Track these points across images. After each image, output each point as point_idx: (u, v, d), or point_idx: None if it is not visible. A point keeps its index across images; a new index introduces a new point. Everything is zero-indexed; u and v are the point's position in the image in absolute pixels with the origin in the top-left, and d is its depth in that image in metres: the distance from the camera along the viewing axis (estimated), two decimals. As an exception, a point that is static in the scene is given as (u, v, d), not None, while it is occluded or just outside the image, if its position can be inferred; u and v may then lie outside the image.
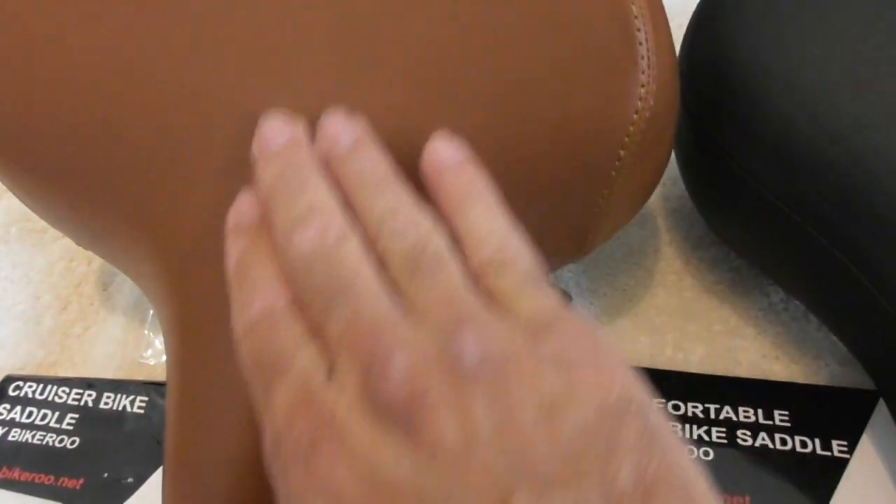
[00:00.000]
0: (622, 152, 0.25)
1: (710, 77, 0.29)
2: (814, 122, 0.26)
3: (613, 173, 0.25)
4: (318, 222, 0.19)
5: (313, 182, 0.20)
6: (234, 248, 0.21)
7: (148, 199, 0.26)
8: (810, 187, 0.27)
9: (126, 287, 0.38)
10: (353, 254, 0.19)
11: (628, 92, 0.24)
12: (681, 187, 0.37)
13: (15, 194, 0.31)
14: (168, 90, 0.25)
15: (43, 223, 0.40)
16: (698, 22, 0.30)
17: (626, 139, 0.25)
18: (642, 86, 0.24)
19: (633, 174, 0.26)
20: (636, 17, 0.24)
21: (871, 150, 0.25)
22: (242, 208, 0.21)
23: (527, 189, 0.25)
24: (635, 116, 0.24)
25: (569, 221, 0.27)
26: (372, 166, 0.21)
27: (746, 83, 0.27)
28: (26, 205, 0.32)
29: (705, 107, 0.29)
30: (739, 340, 0.32)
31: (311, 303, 0.18)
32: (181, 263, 0.25)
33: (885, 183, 0.25)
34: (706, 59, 0.29)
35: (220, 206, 0.25)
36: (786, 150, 0.27)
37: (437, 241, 0.19)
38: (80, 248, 0.38)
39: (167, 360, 0.26)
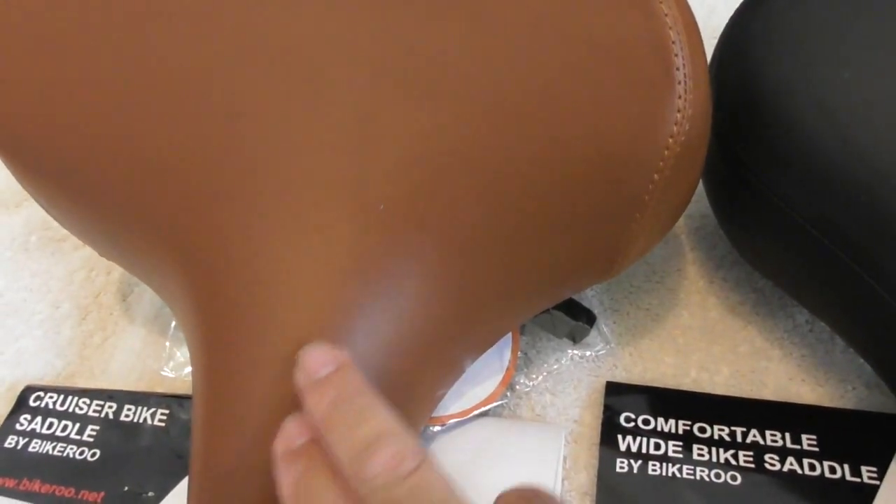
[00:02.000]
0: (656, 176, 0.25)
1: (738, 98, 0.29)
2: (843, 145, 0.26)
3: (646, 197, 0.25)
4: (389, 449, 0.20)
5: (371, 408, 0.21)
6: (289, 473, 0.21)
7: (180, 216, 0.25)
8: (838, 209, 0.27)
9: (146, 298, 0.38)
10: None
11: (665, 118, 0.24)
12: (704, 205, 0.37)
13: (40, 203, 0.31)
14: (207, 110, 0.25)
15: (63, 232, 0.41)
16: (726, 43, 0.30)
17: (661, 164, 0.25)
18: (678, 111, 0.24)
19: (666, 198, 0.26)
20: (674, 43, 0.24)
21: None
22: (292, 434, 0.22)
23: (561, 210, 0.25)
24: (670, 141, 0.24)
25: (600, 243, 0.27)
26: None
27: (775, 105, 0.27)
28: (51, 214, 0.32)
29: (732, 127, 0.29)
30: (765, 362, 0.32)
31: None
32: (210, 279, 0.25)
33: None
34: (734, 80, 0.29)
35: (251, 222, 0.25)
36: (814, 172, 0.27)
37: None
38: (100, 258, 0.38)
39: (193, 373, 0.26)
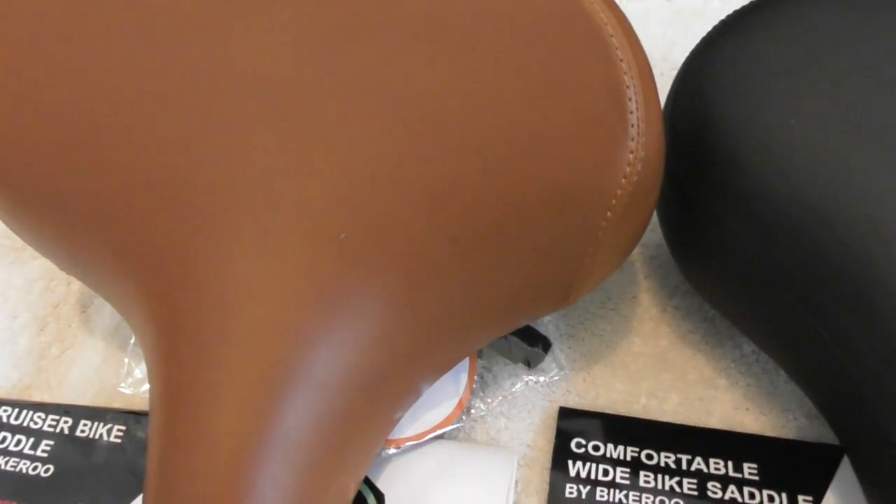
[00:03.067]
0: (609, 214, 0.26)
1: (690, 137, 0.30)
2: (787, 188, 0.27)
3: (600, 233, 0.26)
4: None
5: None
6: None
7: (142, 235, 0.26)
8: (781, 250, 0.28)
9: (106, 311, 0.38)
10: None
11: (618, 158, 0.25)
12: (659, 234, 0.38)
13: None
14: (172, 132, 0.25)
15: (22, 241, 0.40)
16: (681, 83, 0.31)
17: (614, 202, 0.26)
18: (631, 152, 0.25)
19: (619, 233, 0.27)
20: (628, 87, 0.25)
21: (840, 219, 0.26)
22: None
23: (519, 243, 0.26)
24: (623, 181, 0.25)
25: (555, 276, 0.28)
26: None
27: (725, 149, 0.28)
28: (9, 227, 0.32)
29: (685, 166, 0.30)
30: (712, 391, 0.33)
31: None
32: (170, 299, 0.26)
33: (854, 250, 0.26)
34: (687, 120, 0.30)
35: (213, 244, 0.25)
36: (759, 214, 0.28)
37: None
38: (60, 269, 0.38)
39: (151, 392, 0.26)
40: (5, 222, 0.31)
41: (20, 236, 0.32)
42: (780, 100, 0.28)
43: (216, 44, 0.26)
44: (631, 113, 0.25)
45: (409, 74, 0.25)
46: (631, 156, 0.25)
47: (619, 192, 0.25)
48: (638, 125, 0.25)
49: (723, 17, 0.51)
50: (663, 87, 0.45)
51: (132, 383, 0.35)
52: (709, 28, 0.50)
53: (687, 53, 0.48)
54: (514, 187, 0.25)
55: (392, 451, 0.31)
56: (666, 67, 0.47)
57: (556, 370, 0.34)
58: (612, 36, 0.25)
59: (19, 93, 0.27)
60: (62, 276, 0.39)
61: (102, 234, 0.27)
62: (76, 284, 0.39)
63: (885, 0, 0.31)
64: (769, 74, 0.29)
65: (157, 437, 0.25)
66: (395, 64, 0.25)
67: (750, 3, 0.33)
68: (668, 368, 0.34)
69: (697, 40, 0.49)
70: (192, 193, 0.25)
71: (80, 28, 0.27)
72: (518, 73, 0.25)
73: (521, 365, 0.33)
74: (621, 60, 0.25)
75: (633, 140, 0.25)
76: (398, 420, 0.29)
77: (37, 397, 0.35)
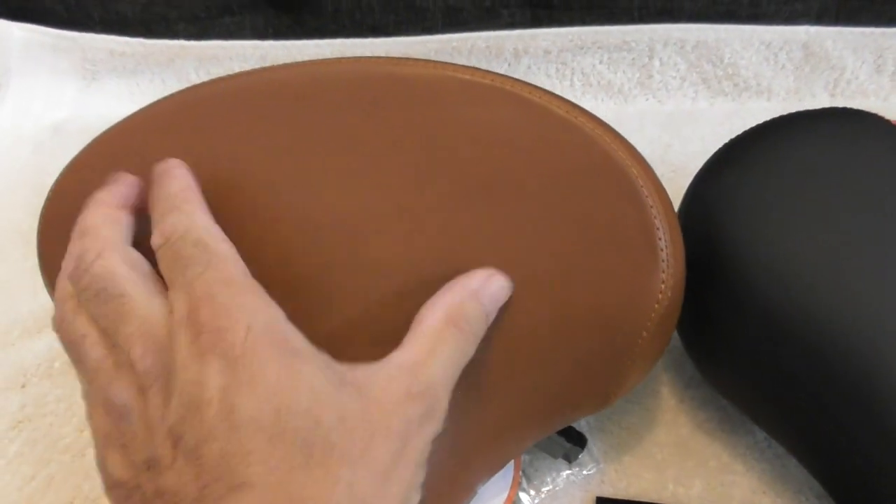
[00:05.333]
0: (644, 333, 0.30)
1: (704, 257, 0.34)
2: (793, 305, 0.31)
3: (636, 349, 0.30)
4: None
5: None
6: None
7: None
8: (789, 357, 0.32)
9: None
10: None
11: (651, 289, 0.29)
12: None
13: None
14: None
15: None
16: (688, 209, 0.36)
17: (648, 324, 0.30)
18: (662, 282, 0.29)
19: (652, 347, 0.31)
20: (658, 229, 0.29)
21: (839, 328, 0.31)
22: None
23: (569, 361, 0.30)
24: (656, 306, 0.30)
25: (595, 387, 0.32)
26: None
27: (735, 270, 0.33)
28: None
29: (697, 279, 0.34)
30: (731, 476, 0.37)
31: None
32: None
33: (852, 354, 0.30)
34: (698, 243, 0.34)
35: None
36: (768, 326, 0.32)
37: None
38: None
39: None
40: None
41: None
42: (781, 224, 0.33)
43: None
44: (661, 250, 0.29)
45: (479, 230, 0.29)
46: (662, 285, 0.29)
47: (652, 314, 0.30)
48: (667, 259, 0.29)
49: (710, 117, 0.57)
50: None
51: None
52: (700, 130, 0.55)
53: (681, 155, 0.53)
54: (566, 315, 0.29)
55: (451, 546, 0.34)
56: (665, 169, 0.51)
57: (591, 464, 0.37)
58: (642, 186, 0.29)
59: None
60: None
61: None
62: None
63: (871, 127, 0.35)
64: (769, 200, 0.33)
65: None
66: (464, 218, 0.29)
67: (749, 131, 0.37)
68: (690, 456, 0.38)
69: (690, 142, 0.54)
70: None
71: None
72: (563, 217, 0.29)
73: (560, 460, 0.37)
74: (651, 207, 0.29)
75: (663, 272, 0.29)
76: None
77: (109, 506, 0.38)
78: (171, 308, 0.25)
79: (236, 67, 0.57)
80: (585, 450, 0.37)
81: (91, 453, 0.40)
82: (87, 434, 0.40)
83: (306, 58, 0.56)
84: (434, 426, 0.26)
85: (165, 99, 0.35)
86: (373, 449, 0.23)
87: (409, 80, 0.31)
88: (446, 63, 0.31)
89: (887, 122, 0.36)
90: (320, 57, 0.56)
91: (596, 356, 0.30)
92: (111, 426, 0.25)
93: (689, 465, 0.37)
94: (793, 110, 0.37)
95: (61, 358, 0.44)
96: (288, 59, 0.57)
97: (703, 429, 0.39)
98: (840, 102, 0.56)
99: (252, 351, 0.23)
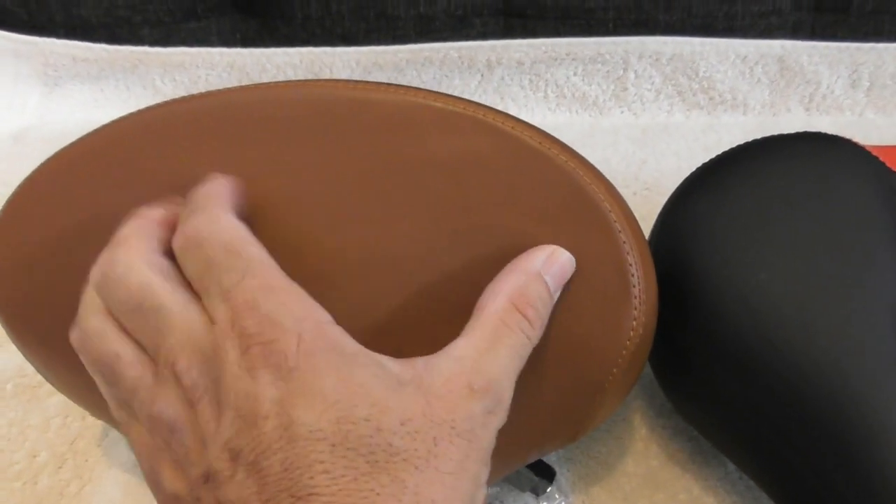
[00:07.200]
0: (615, 369, 0.29)
1: (674, 289, 0.33)
2: (762, 339, 0.31)
3: (606, 385, 0.30)
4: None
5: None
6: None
7: None
8: (759, 391, 0.31)
9: (122, 443, 0.39)
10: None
11: (623, 325, 0.28)
12: (643, 354, 0.42)
13: (27, 358, 0.35)
14: None
15: (38, 378, 0.42)
16: (659, 238, 0.35)
17: (619, 360, 0.29)
18: (634, 319, 0.29)
19: (622, 384, 0.30)
20: (631, 265, 0.28)
21: (808, 363, 0.30)
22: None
23: (534, 394, 0.29)
24: (627, 343, 0.29)
25: (566, 420, 0.31)
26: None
27: (705, 303, 0.32)
28: (35, 367, 0.34)
29: (669, 310, 0.33)
30: (702, 508, 0.36)
31: None
32: None
33: (820, 389, 0.30)
34: (668, 273, 0.33)
35: None
36: (738, 359, 0.31)
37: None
38: (74, 404, 0.39)
39: None
40: (32, 364, 0.34)
41: (43, 374, 0.34)
42: (751, 255, 0.32)
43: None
44: (634, 286, 0.28)
45: (457, 258, 0.28)
46: (634, 322, 0.29)
47: (624, 352, 0.29)
48: (639, 296, 0.28)
49: (685, 131, 0.56)
50: (636, 206, 0.49)
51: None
52: (675, 145, 0.54)
53: (656, 172, 0.53)
54: (536, 350, 0.28)
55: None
56: (638, 187, 0.51)
57: (559, 497, 0.36)
58: (615, 221, 0.28)
59: (58, 263, 0.30)
60: (77, 411, 0.41)
61: None
62: (90, 419, 0.41)
63: (844, 154, 0.35)
64: (739, 230, 0.33)
65: None
66: (450, 250, 0.29)
67: (720, 156, 0.37)
68: (659, 488, 0.37)
69: (665, 158, 0.54)
70: None
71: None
72: None
73: (528, 493, 0.36)
74: (624, 242, 0.28)
75: (635, 309, 0.28)
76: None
77: (61, 538, 0.36)
78: (210, 317, 0.24)
79: (202, 74, 0.56)
80: (554, 483, 0.36)
81: (44, 481, 0.38)
82: (41, 460, 0.39)
83: (275, 66, 0.55)
84: (498, 420, 0.25)
85: (129, 116, 0.33)
86: (437, 451, 0.23)
87: (378, 105, 0.30)
88: (418, 89, 0.30)
89: (861, 148, 0.36)
90: (289, 65, 0.55)
91: (566, 392, 0.30)
92: (159, 441, 0.24)
93: (660, 497, 0.37)
94: (768, 124, 0.37)
95: (14, 380, 0.42)
96: (256, 67, 0.55)
97: (675, 459, 0.38)
98: (815, 117, 0.56)
99: (306, 361, 0.23)
